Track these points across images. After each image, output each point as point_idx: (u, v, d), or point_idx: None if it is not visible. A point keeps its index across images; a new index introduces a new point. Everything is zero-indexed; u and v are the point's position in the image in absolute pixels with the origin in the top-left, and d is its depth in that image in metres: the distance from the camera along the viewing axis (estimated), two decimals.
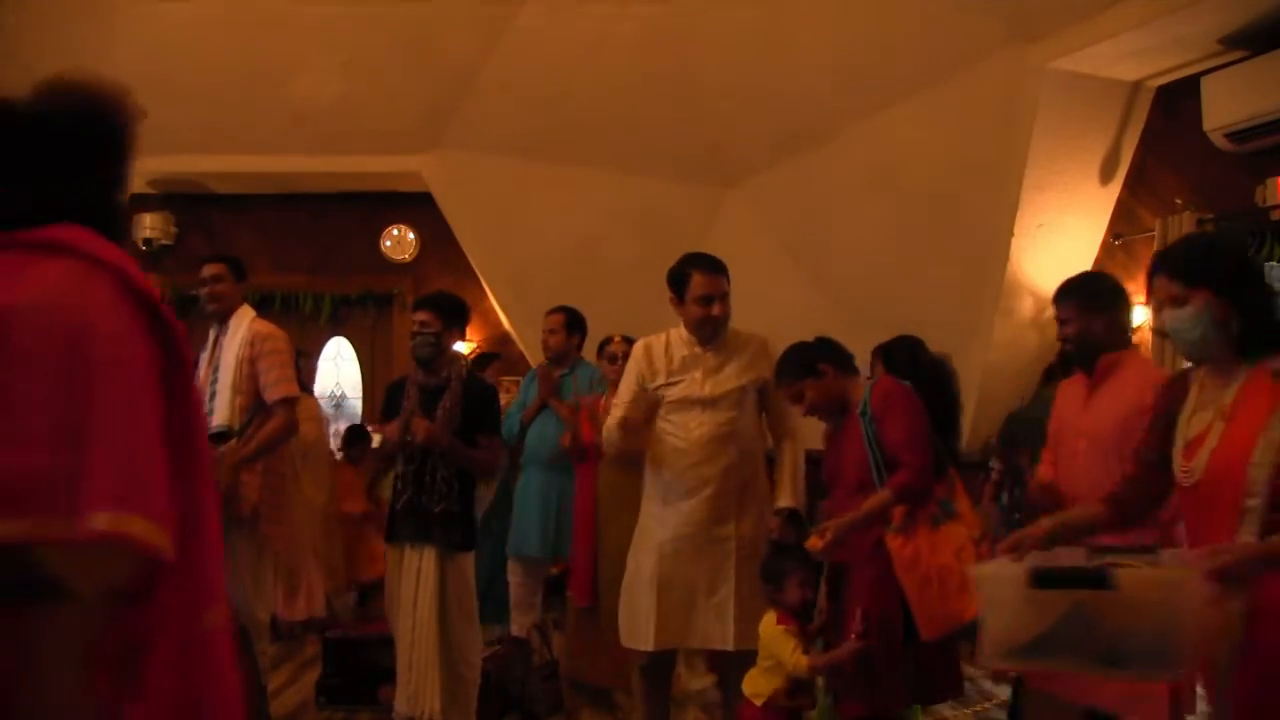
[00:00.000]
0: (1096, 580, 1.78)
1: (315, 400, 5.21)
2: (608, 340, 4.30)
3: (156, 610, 1.07)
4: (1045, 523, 2.11)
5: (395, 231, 7.30)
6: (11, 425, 0.95)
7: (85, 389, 0.99)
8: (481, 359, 5.36)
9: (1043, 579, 1.86)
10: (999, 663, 2.17)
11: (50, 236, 1.06)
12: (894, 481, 2.86)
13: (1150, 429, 2.10)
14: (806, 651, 2.81)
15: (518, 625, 4.39)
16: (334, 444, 5.86)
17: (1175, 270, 1.98)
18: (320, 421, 5.06)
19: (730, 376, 3.10)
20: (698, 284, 3.08)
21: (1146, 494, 2.10)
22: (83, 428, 0.98)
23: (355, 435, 5.85)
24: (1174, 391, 2.07)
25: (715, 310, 3.08)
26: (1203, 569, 1.69)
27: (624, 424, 3.12)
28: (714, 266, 3.12)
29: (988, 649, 1.96)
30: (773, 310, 3.39)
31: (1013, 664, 2.15)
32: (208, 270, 3.68)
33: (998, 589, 1.93)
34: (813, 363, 3.01)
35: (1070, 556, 1.99)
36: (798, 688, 2.84)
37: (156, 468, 1.05)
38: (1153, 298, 2.03)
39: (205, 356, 3.58)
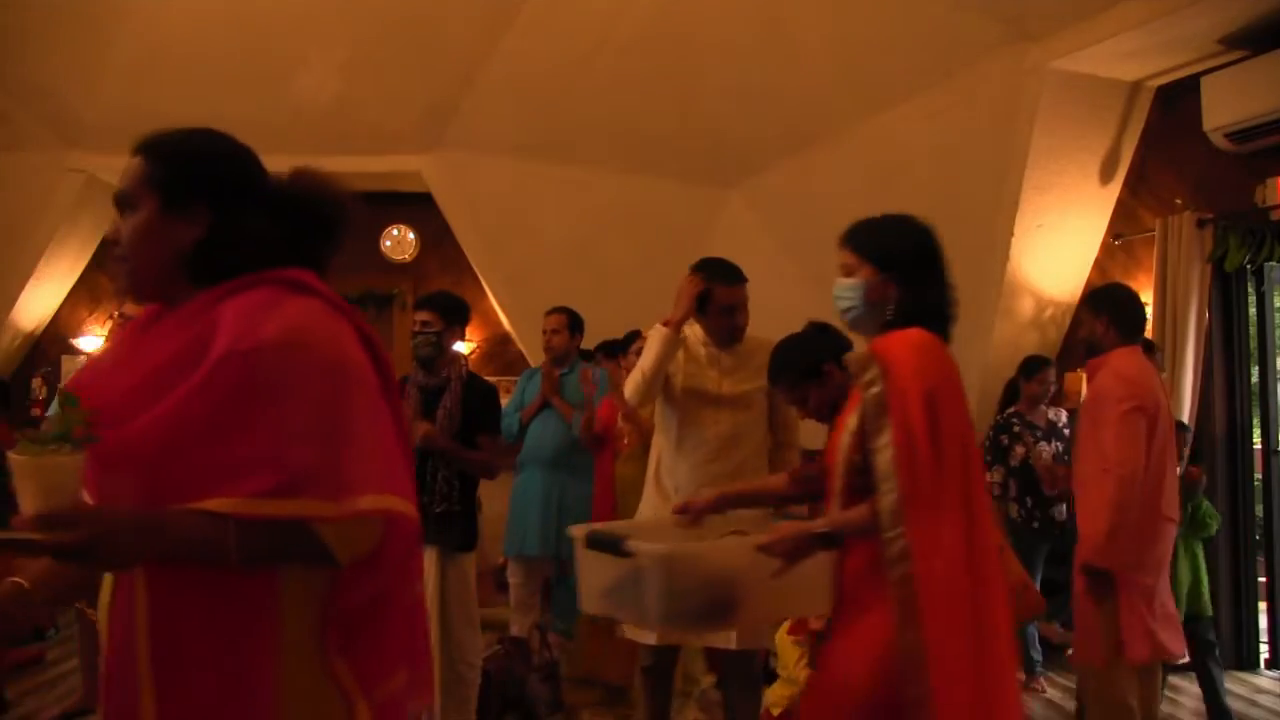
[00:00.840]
0: (618, 549, 2.07)
1: None
2: (631, 336, 4.34)
3: (384, 576, 1.29)
4: (707, 492, 2.44)
5: (395, 231, 7.30)
6: (289, 429, 1.19)
7: (342, 402, 1.24)
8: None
9: (591, 542, 2.17)
10: (589, 608, 2.42)
11: (294, 277, 1.32)
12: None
13: None
14: (813, 663, 2.80)
15: (518, 625, 4.39)
16: None
17: (854, 242, 2.15)
18: None
19: (746, 379, 3.09)
20: (720, 296, 3.03)
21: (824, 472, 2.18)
22: (343, 431, 1.23)
23: None
24: None
25: (739, 319, 3.09)
26: (757, 546, 1.98)
27: (650, 367, 3.00)
28: (733, 276, 3.07)
29: (581, 595, 2.32)
30: (773, 310, 3.37)
31: (599, 610, 2.41)
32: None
33: (577, 547, 2.27)
34: (816, 365, 2.72)
35: (751, 518, 2.40)
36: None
37: (398, 460, 1.34)
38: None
39: None
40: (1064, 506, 4.41)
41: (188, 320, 1.27)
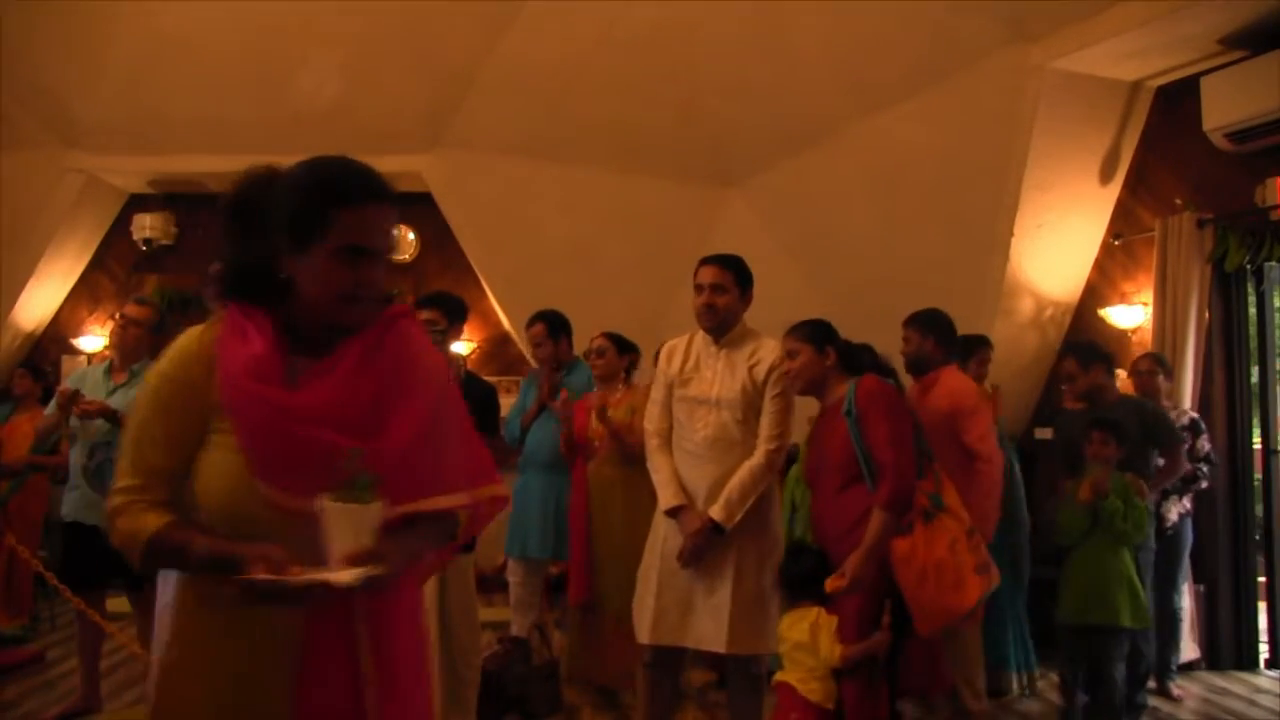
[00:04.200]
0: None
1: None
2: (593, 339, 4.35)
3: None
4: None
5: (395, 232, 7.29)
6: (444, 437, 1.51)
7: (458, 405, 1.60)
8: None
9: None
10: None
11: (401, 309, 1.58)
12: (881, 500, 2.87)
13: None
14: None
15: (518, 625, 4.39)
16: None
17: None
18: None
19: (738, 379, 3.09)
20: (696, 274, 3.16)
21: None
22: (462, 434, 1.58)
23: None
24: None
25: (704, 299, 3.10)
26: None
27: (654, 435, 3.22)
28: (711, 259, 3.17)
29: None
30: (772, 310, 3.37)
31: None
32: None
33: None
34: (827, 338, 3.08)
35: None
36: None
37: (481, 451, 1.64)
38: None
39: None
40: None
41: (374, 346, 1.48)
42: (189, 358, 1.44)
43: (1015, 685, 4.37)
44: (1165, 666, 4.41)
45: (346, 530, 1.31)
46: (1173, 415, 4.42)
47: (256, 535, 1.33)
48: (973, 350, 4.45)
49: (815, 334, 3.07)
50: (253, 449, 1.37)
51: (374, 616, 1.41)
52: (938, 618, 2.86)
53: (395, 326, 1.51)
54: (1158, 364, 4.51)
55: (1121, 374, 4.60)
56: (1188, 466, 4.28)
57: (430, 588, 3.40)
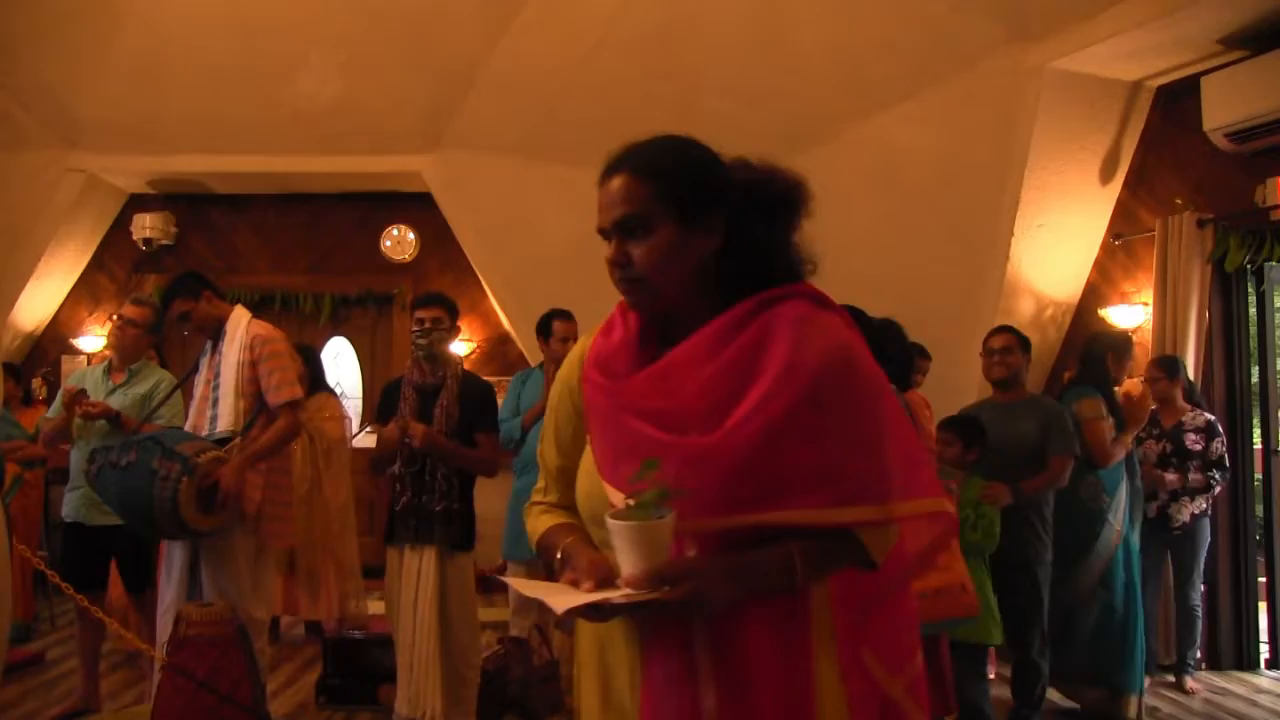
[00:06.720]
0: None
1: (338, 399, 5.17)
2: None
3: (885, 574, 1.34)
4: None
5: (395, 231, 7.30)
6: (849, 440, 1.25)
7: (882, 411, 1.30)
8: None
9: None
10: None
11: (816, 292, 1.37)
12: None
13: None
14: None
15: (517, 625, 4.39)
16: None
17: None
18: (342, 421, 5.03)
19: None
20: None
21: None
22: (885, 440, 1.29)
23: None
24: None
25: None
26: None
27: None
28: None
29: None
30: None
31: None
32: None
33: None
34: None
35: None
36: None
37: (928, 460, 1.39)
38: None
39: (205, 361, 3.56)
40: None
41: (732, 330, 1.29)
42: (574, 358, 1.45)
43: None
44: (1182, 661, 4.54)
45: (626, 547, 1.17)
46: (1188, 417, 4.44)
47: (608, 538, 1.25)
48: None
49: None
50: (594, 444, 1.35)
51: (722, 646, 1.24)
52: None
53: (773, 309, 1.30)
54: (1160, 370, 4.51)
55: (1135, 381, 4.58)
56: (1198, 478, 4.32)
57: (430, 588, 3.41)
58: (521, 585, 1.36)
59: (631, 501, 1.19)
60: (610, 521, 1.17)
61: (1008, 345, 3.99)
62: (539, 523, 1.44)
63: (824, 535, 1.25)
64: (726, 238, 1.35)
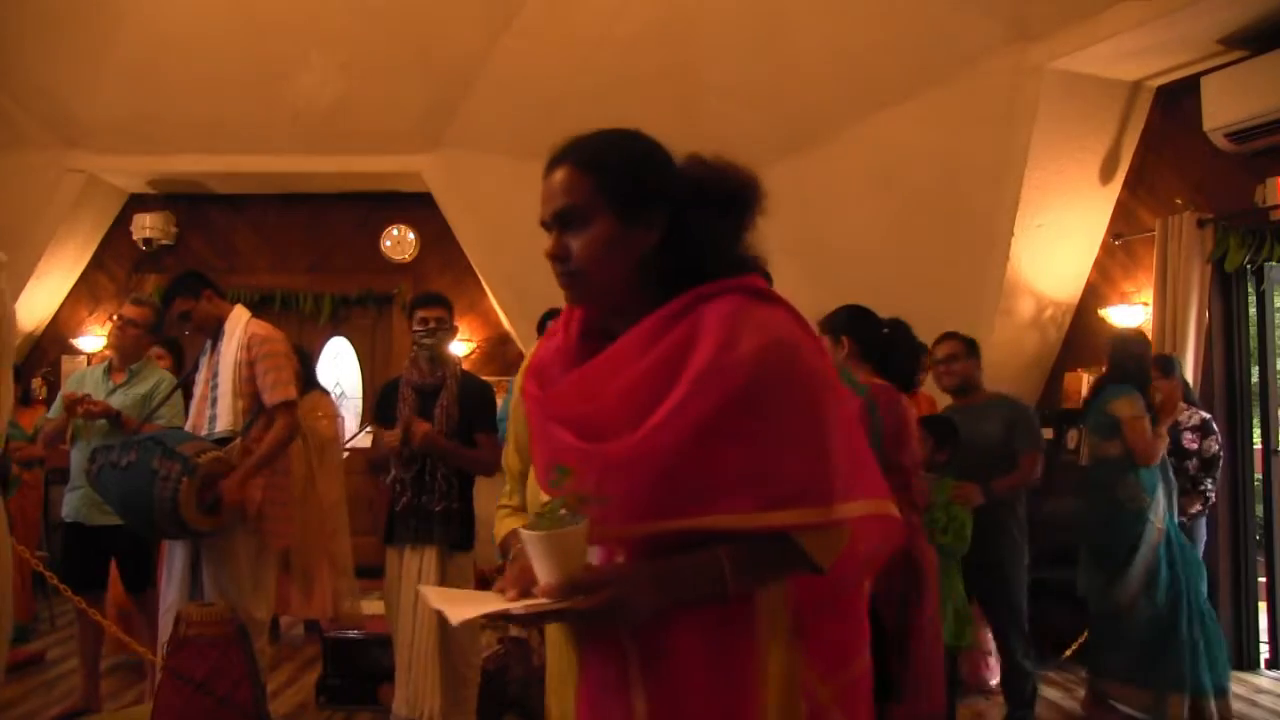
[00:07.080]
0: None
1: (330, 398, 5.17)
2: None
3: (854, 572, 1.31)
4: None
5: (395, 231, 7.30)
6: (781, 440, 1.18)
7: (823, 410, 1.23)
8: None
9: None
10: None
11: (758, 285, 1.29)
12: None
13: None
14: None
15: (517, 626, 4.39)
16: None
17: None
18: (335, 419, 5.03)
19: None
20: None
21: None
22: (826, 439, 1.21)
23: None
24: None
25: None
26: None
27: None
28: None
29: None
30: None
31: None
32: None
33: None
34: (845, 329, 2.99)
35: None
36: None
37: (873, 461, 1.30)
38: None
39: (205, 360, 3.55)
40: None
41: (661, 328, 1.24)
42: (524, 364, 1.44)
43: None
44: None
45: (538, 557, 1.15)
46: (1184, 416, 4.39)
47: None
48: None
49: (830, 323, 3.02)
50: (532, 452, 1.34)
51: (651, 653, 1.21)
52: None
53: (707, 305, 1.24)
54: (1156, 369, 4.49)
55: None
56: (1206, 491, 4.32)
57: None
58: (431, 594, 1.33)
59: (541, 512, 1.17)
60: (521, 532, 1.16)
61: (952, 353, 3.97)
62: (502, 526, 1.47)
63: (759, 540, 1.20)
64: (672, 234, 1.31)
